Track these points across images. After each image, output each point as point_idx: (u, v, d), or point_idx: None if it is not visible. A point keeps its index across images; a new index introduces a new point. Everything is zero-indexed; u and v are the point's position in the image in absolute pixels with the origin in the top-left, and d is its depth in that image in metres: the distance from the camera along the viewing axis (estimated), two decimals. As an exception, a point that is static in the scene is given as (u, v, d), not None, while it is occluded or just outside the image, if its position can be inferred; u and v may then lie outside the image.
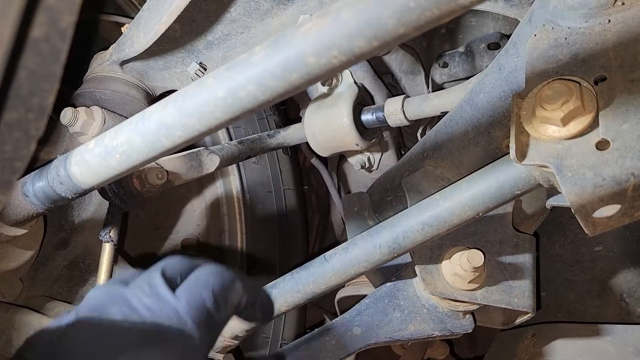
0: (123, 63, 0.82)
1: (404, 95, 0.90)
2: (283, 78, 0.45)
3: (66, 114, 0.80)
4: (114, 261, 0.93)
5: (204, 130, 0.52)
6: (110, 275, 0.93)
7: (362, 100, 0.96)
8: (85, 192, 0.63)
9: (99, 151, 0.58)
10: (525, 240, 0.78)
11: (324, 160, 1.26)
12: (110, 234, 0.92)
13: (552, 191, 0.66)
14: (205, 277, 0.48)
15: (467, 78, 0.95)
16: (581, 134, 0.55)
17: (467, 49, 0.95)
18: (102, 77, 0.85)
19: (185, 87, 0.52)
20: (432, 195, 0.69)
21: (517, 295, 0.75)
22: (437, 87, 1.01)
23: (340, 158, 1.27)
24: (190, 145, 0.57)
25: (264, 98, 0.47)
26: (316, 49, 0.43)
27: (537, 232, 0.82)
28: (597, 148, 0.54)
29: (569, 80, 0.56)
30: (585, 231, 0.59)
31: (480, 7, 0.74)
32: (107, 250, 0.91)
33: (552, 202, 0.65)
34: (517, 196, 0.64)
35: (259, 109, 0.49)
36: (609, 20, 0.59)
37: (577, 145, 0.55)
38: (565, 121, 0.55)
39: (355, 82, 0.95)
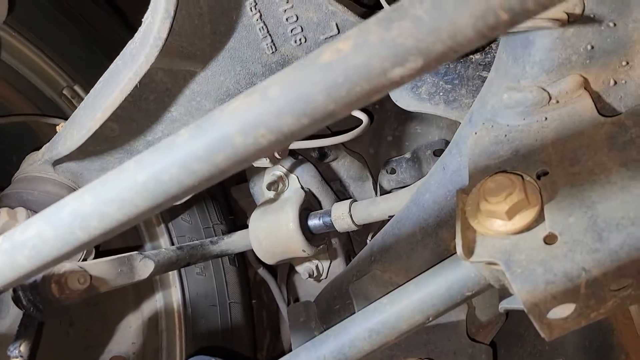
0: (56, 163, 0.78)
1: (350, 200, 0.88)
2: (208, 160, 0.42)
3: (-13, 217, 0.74)
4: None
5: (124, 220, 0.47)
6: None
7: (309, 205, 0.94)
8: (-10, 296, 0.56)
9: (6, 247, 0.52)
10: (482, 351, 0.73)
11: (272, 271, 1.20)
12: (21, 348, 0.82)
13: (504, 293, 0.63)
14: None
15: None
16: (528, 228, 0.53)
17: (414, 156, 0.95)
18: (31, 178, 0.80)
19: (106, 174, 0.48)
20: (380, 299, 0.64)
21: (476, 413, 0.68)
22: (386, 193, 1.00)
23: (290, 269, 1.21)
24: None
25: (189, 182, 0.44)
26: (243, 128, 0.40)
27: (494, 342, 0.77)
28: (545, 242, 0.52)
29: (511, 173, 0.55)
30: (541, 334, 0.55)
31: (422, 110, 0.75)
32: (15, 371, 0.80)
33: (504, 304, 0.61)
34: (468, 298, 0.60)
35: (183, 196, 0.45)
36: (546, 118, 0.59)
37: (525, 240, 0.53)
38: (510, 214, 0.53)
39: (302, 187, 0.94)
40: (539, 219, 0.53)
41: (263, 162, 0.77)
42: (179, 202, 0.43)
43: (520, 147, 0.59)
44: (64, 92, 0.98)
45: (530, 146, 0.58)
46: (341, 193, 1.01)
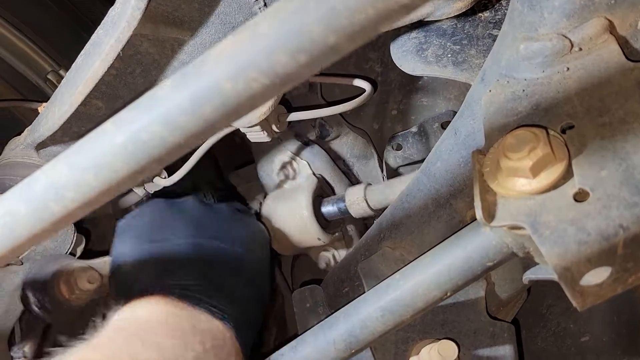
0: (39, 147, 0.73)
1: (365, 184, 0.83)
2: (194, 112, 0.37)
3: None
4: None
5: (103, 189, 0.42)
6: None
7: (322, 191, 0.90)
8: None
9: (-24, 227, 0.47)
10: (504, 329, 0.67)
11: (276, 261, 1.15)
12: (25, 349, 0.78)
13: (529, 264, 0.58)
14: None
15: (423, 161, 0.90)
16: (555, 185, 0.47)
17: (421, 129, 0.90)
18: (14, 164, 0.75)
19: (82, 139, 0.43)
20: (392, 276, 0.59)
21: (501, 396, 0.63)
22: (392, 171, 0.95)
23: (294, 259, 1.16)
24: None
25: (173, 140, 0.38)
26: (231, 72, 0.35)
27: (517, 319, 0.71)
28: (575, 200, 0.46)
29: (534, 126, 0.50)
30: (574, 304, 0.49)
31: (429, 73, 0.70)
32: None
33: (529, 275, 0.55)
34: (489, 269, 0.54)
35: (168, 157, 0.40)
36: (568, 68, 0.54)
37: (552, 199, 0.47)
38: (535, 171, 0.47)
39: (314, 173, 0.89)
40: (567, 175, 0.47)
41: (260, 136, 0.72)
42: (165, 166, 0.39)
43: (541, 101, 0.54)
44: (49, 76, 0.93)
45: (552, 99, 0.53)
46: (345, 174, 0.95)
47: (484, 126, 0.56)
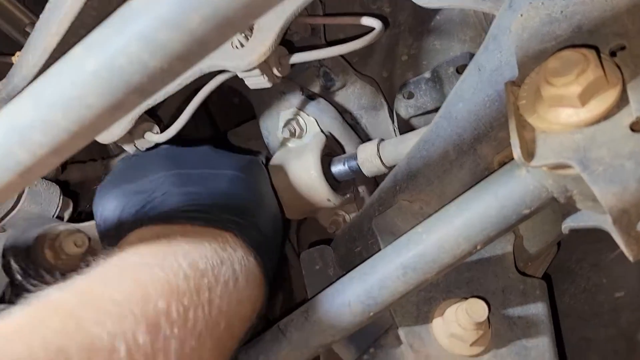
0: (17, 101, 0.66)
1: (378, 139, 0.76)
2: (179, 25, 0.30)
3: None
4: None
5: (75, 129, 0.35)
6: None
7: (331, 150, 0.83)
8: None
9: None
10: (535, 286, 0.61)
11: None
12: None
13: (569, 210, 0.51)
14: None
15: (437, 110, 0.83)
16: (607, 115, 0.41)
17: (434, 75, 0.82)
18: (-11, 120, 0.68)
19: (48, 69, 0.36)
20: (413, 229, 0.53)
21: (536, 359, 0.57)
22: (404, 122, 0.88)
23: (301, 221, 1.10)
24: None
25: (155, 64, 0.31)
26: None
27: (549, 275, 0.65)
28: (632, 130, 0.40)
29: (581, 46, 0.43)
30: (626, 253, 0.43)
31: (446, 5, 0.62)
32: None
33: (570, 223, 0.49)
34: (525, 217, 0.48)
35: (152, 87, 0.33)
36: (615, -18, 0.46)
37: (604, 130, 0.41)
38: (584, 98, 0.40)
39: (322, 131, 0.82)
40: (621, 102, 0.41)
41: (260, 81, 0.65)
42: (151, 100, 0.32)
43: (584, 21, 0.46)
44: (27, 29, 0.86)
45: (597, 19, 0.46)
46: (353, 128, 0.88)
47: (516, 55, 0.49)
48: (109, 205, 0.62)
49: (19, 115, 0.36)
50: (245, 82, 0.67)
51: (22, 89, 0.64)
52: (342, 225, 0.89)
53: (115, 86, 0.33)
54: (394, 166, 0.77)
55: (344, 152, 0.86)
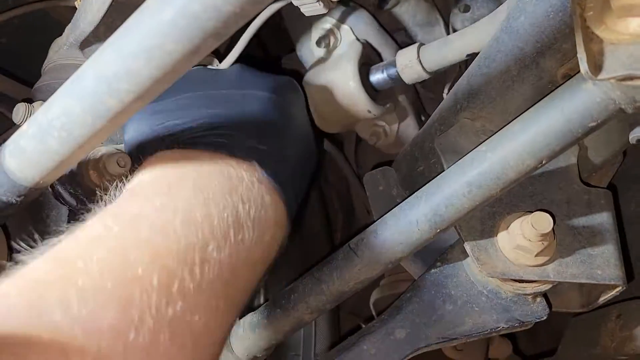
0: (83, 46, 0.69)
1: (417, 43, 0.74)
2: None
3: (19, 111, 0.66)
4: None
5: (158, 75, 0.37)
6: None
7: (368, 59, 0.80)
8: (33, 193, 0.49)
9: (34, 132, 0.44)
10: (599, 196, 0.62)
11: (338, 145, 1.11)
12: None
13: (637, 119, 0.51)
14: None
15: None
16: (682, 21, 0.40)
17: (492, -15, 0.80)
18: (60, 66, 0.72)
19: (125, 21, 0.38)
20: (477, 148, 0.54)
21: (600, 266, 0.59)
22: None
23: (358, 142, 1.11)
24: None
25: (228, 8, 0.33)
26: None
27: (613, 184, 0.65)
28: None
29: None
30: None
31: None
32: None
33: (639, 133, 0.49)
34: (592, 130, 0.48)
35: (226, 31, 0.35)
36: None
37: (677, 38, 0.40)
38: (657, 6, 0.39)
39: (358, 39, 0.80)
40: (696, 7, 0.39)
41: (316, 8, 0.65)
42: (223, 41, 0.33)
43: None
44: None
45: None
46: (407, 45, 0.87)
47: (583, -38, 0.47)
48: (132, 125, 0.63)
49: (105, 67, 0.39)
50: (301, 10, 0.67)
51: (89, 35, 0.67)
52: (382, 137, 0.87)
53: (192, 32, 0.34)
54: (436, 71, 0.75)
55: (381, 59, 0.84)
